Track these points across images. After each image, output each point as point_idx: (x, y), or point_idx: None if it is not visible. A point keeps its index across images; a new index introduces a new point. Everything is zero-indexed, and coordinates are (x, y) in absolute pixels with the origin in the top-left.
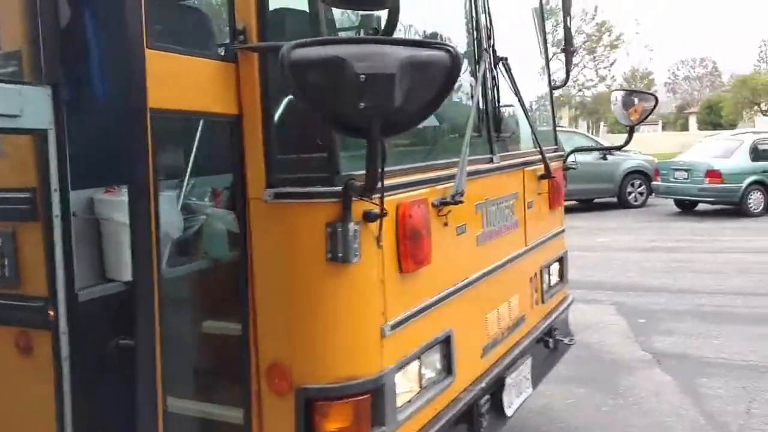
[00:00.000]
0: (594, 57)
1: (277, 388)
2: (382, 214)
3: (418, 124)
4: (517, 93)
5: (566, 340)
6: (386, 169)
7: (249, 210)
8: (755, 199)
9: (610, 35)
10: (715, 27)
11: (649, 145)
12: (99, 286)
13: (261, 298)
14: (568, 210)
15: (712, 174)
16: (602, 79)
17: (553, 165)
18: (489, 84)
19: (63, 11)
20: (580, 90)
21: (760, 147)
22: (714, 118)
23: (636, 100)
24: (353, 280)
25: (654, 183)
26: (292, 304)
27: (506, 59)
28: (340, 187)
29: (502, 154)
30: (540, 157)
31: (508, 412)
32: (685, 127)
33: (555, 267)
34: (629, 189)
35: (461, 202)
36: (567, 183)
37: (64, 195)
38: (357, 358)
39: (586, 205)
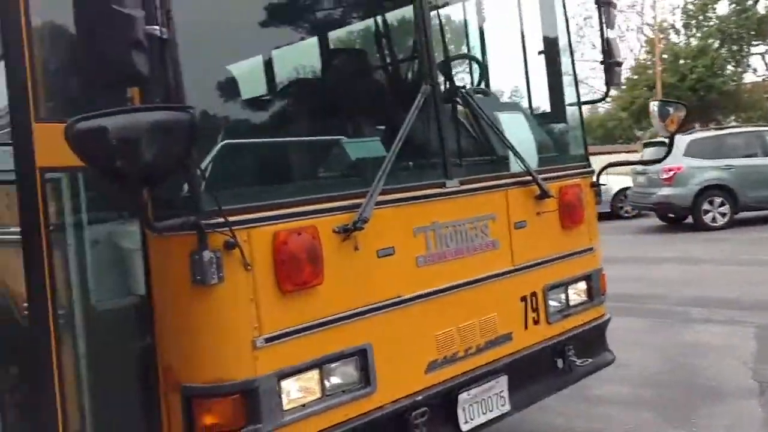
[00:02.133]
0: None
1: (171, 387)
2: (236, 243)
3: (175, 173)
4: (481, 120)
5: (579, 362)
6: (260, 203)
7: (146, 243)
8: None
9: None
10: None
11: None
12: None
13: (160, 315)
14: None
15: None
16: None
17: (571, 182)
18: (440, 112)
19: None
20: None
21: None
22: None
23: (671, 110)
24: (217, 299)
25: None
26: (175, 318)
27: (463, 88)
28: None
29: (463, 178)
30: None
31: (464, 427)
32: None
33: (579, 286)
34: None
35: (361, 228)
36: (600, 200)
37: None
38: (225, 364)
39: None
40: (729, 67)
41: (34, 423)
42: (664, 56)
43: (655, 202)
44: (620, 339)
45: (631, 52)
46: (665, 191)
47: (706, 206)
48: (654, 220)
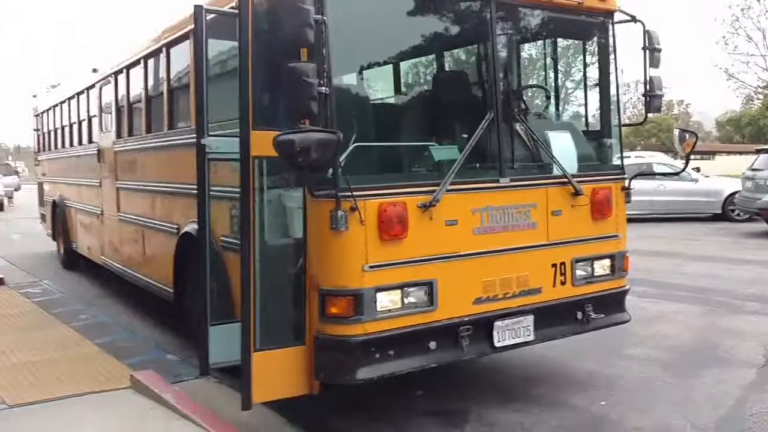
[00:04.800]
0: None
1: (313, 288)
2: (356, 208)
3: (328, 168)
4: (530, 136)
5: (594, 316)
6: (373, 185)
7: (306, 203)
8: None
9: None
10: None
11: None
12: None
13: (310, 245)
14: None
15: None
16: None
17: (603, 185)
18: (500, 130)
19: None
20: None
21: None
22: None
23: (687, 136)
24: (344, 239)
25: None
26: (319, 249)
27: (522, 112)
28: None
29: (513, 177)
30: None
31: (497, 344)
32: None
33: (604, 262)
34: None
35: (434, 205)
36: (630, 200)
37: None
38: (346, 278)
39: None
40: None
41: (228, 306)
42: None
43: (759, 208)
44: (670, 318)
45: None
46: None
47: None
48: (762, 225)
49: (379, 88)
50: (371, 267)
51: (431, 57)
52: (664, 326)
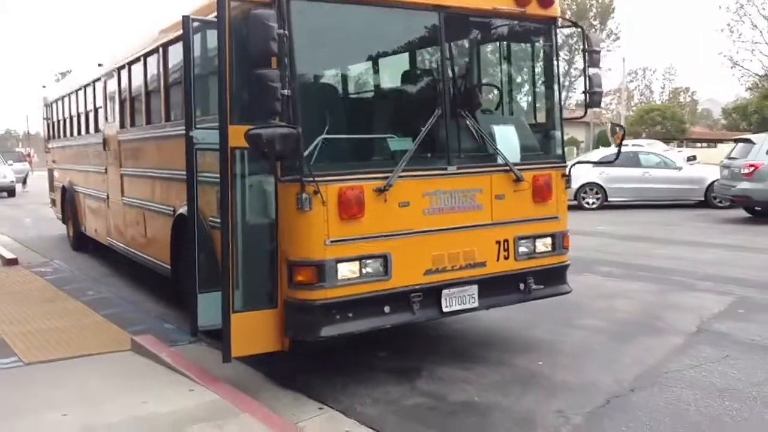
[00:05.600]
0: None
1: (283, 259)
2: (318, 191)
3: (292, 158)
4: (474, 129)
5: (535, 287)
6: (333, 171)
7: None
8: None
9: None
10: None
11: None
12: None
13: (281, 223)
14: None
15: None
16: None
17: (543, 172)
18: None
19: None
20: None
21: None
22: None
23: (617, 129)
24: (308, 218)
25: None
26: (288, 227)
27: (468, 108)
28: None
29: (460, 165)
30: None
31: (445, 309)
32: None
33: (545, 240)
34: None
35: (386, 190)
36: (569, 186)
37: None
38: (310, 250)
39: None
40: None
41: (217, 276)
42: None
43: (734, 195)
44: (625, 295)
45: None
46: (744, 185)
47: None
48: (740, 212)
49: (340, 89)
50: (332, 242)
51: (386, 60)
52: (617, 301)
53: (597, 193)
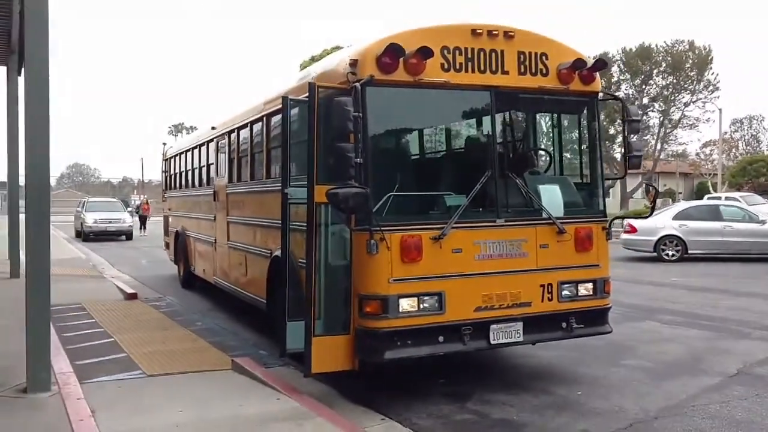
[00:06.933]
0: None
1: (355, 293)
2: (384, 239)
3: (363, 212)
4: (522, 187)
5: (576, 327)
6: (397, 223)
7: (351, 234)
8: None
9: None
10: None
11: None
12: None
13: (354, 264)
14: None
15: None
16: None
17: (584, 225)
18: (497, 184)
19: None
20: None
21: None
22: None
23: (650, 189)
24: (375, 260)
25: None
26: (359, 267)
27: (515, 170)
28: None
29: (507, 218)
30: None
31: (492, 342)
32: None
33: (586, 285)
34: None
35: (441, 238)
36: (610, 237)
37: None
38: (377, 287)
39: None
40: None
41: (302, 307)
42: None
43: None
44: (677, 341)
45: None
46: None
47: None
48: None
49: (404, 155)
50: (395, 280)
51: (444, 130)
52: (668, 345)
53: (677, 245)
